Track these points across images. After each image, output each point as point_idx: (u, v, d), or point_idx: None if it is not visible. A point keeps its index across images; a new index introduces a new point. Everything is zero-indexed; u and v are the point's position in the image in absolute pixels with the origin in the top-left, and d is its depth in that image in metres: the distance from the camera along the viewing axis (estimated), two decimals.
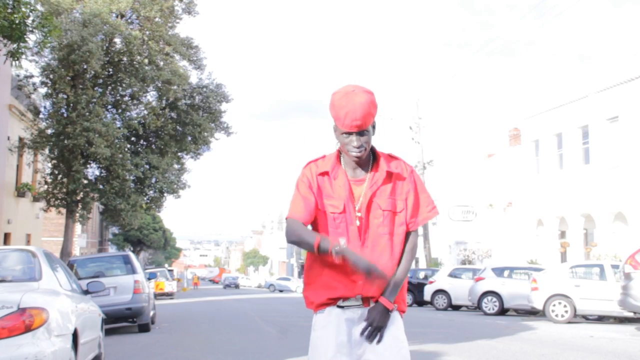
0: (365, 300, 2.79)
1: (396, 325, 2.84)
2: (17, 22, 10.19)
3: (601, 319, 16.82)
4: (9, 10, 10.10)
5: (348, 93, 2.66)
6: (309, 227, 2.87)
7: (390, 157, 2.89)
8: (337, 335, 2.75)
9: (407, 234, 2.89)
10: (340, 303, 2.79)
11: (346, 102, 2.64)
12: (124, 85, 22.28)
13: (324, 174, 2.83)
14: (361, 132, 2.67)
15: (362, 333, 2.73)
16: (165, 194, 24.75)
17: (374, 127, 2.77)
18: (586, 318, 17.06)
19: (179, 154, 25.15)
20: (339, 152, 2.86)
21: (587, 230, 26.09)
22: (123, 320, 13.66)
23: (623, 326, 14.92)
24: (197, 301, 34.25)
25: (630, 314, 14.48)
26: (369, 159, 2.84)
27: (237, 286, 71.35)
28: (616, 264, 15.96)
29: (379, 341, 2.74)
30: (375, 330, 2.72)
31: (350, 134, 2.68)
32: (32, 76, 21.94)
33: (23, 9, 10.40)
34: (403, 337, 2.84)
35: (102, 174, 22.31)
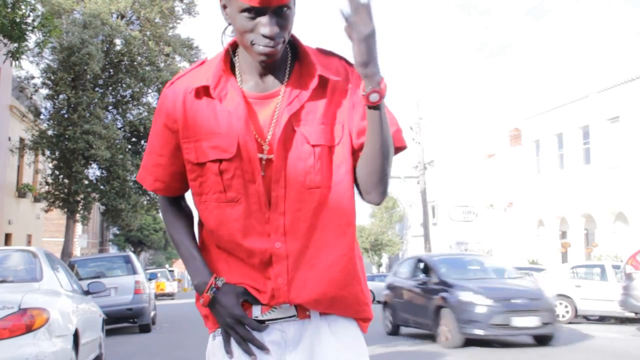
0: (301, 311, 1.59)
1: (353, 349, 1.61)
2: (17, 20, 10.18)
3: (602, 319, 16.80)
4: (9, 9, 10.10)
5: None
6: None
7: (322, 54, 1.63)
8: None
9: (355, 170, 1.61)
10: (258, 315, 1.59)
11: None
12: (124, 85, 22.30)
13: (199, 91, 1.56)
14: (277, 9, 1.45)
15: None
16: None
17: (294, 4, 1.51)
18: (587, 318, 17.03)
19: None
20: (228, 51, 1.60)
21: (587, 231, 26.06)
22: (124, 321, 13.69)
23: (624, 327, 14.89)
24: None
25: (632, 315, 14.45)
26: (287, 59, 1.59)
27: None
28: (617, 265, 15.95)
29: None
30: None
31: (258, 12, 1.44)
32: (33, 77, 21.98)
33: (23, 8, 10.40)
34: None
35: (103, 175, 22.33)
